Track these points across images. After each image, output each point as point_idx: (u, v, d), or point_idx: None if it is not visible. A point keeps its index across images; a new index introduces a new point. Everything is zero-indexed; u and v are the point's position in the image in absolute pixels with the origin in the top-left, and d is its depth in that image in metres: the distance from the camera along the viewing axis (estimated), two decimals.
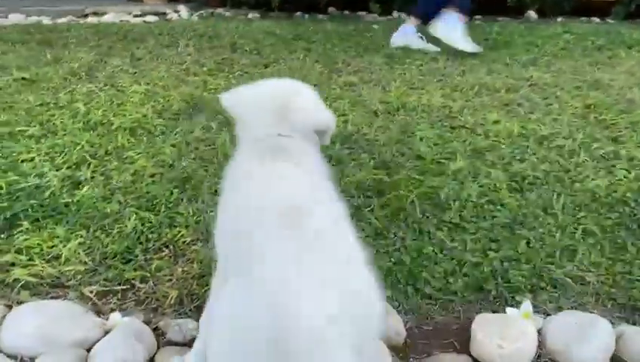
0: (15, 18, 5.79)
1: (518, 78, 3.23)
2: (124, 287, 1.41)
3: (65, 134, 2.20)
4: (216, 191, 1.81)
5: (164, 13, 5.88)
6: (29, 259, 1.46)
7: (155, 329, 1.24)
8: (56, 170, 1.91)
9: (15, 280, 1.38)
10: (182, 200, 1.75)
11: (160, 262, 1.48)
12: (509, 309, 1.30)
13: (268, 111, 1.16)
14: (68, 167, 1.94)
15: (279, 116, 1.14)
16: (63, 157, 2.00)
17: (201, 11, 5.95)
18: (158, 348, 1.19)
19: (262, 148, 1.10)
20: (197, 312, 1.30)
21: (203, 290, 1.39)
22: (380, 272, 1.44)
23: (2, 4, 6.73)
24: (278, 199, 0.94)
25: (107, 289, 1.39)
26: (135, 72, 3.24)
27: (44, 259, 1.46)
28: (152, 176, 1.89)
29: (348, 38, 4.49)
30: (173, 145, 2.11)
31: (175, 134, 2.21)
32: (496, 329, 1.18)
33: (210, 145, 2.14)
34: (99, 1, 6.54)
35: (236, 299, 0.81)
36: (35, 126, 2.27)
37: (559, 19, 5.60)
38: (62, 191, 1.79)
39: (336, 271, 0.82)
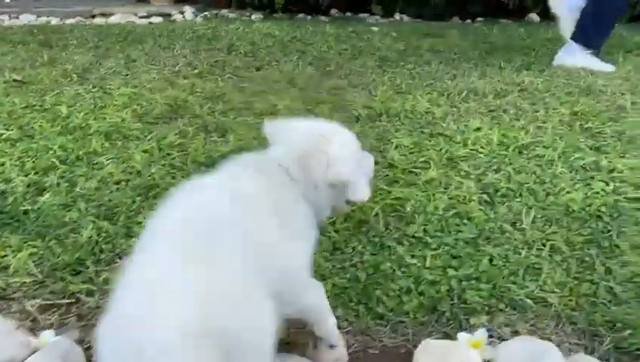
0: (25, 19, 5.80)
1: (509, 82, 3.11)
2: (69, 301, 1.34)
3: (41, 138, 2.15)
4: None
5: (170, 15, 5.85)
6: None
7: (88, 348, 1.17)
8: (25, 176, 1.86)
9: None
10: (143, 208, 1.68)
11: (109, 275, 1.41)
12: (460, 334, 1.20)
13: (294, 152, 1.09)
14: (36, 173, 1.88)
15: (302, 163, 1.08)
16: (33, 162, 1.94)
17: (206, 12, 5.90)
18: None
19: (252, 166, 1.08)
20: None
21: None
22: (332, 290, 1.37)
23: (16, 5, 6.77)
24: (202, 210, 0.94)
25: (51, 303, 1.32)
26: (127, 75, 3.19)
27: None
28: (118, 183, 1.83)
29: (345, 40, 4.40)
30: (145, 151, 2.04)
31: (149, 139, 2.14)
32: (437, 357, 1.09)
33: (182, 151, 2.06)
34: (107, 2, 6.53)
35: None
36: (13, 129, 2.22)
37: None
38: (25, 197, 1.73)
39: (215, 287, 0.79)
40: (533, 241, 1.54)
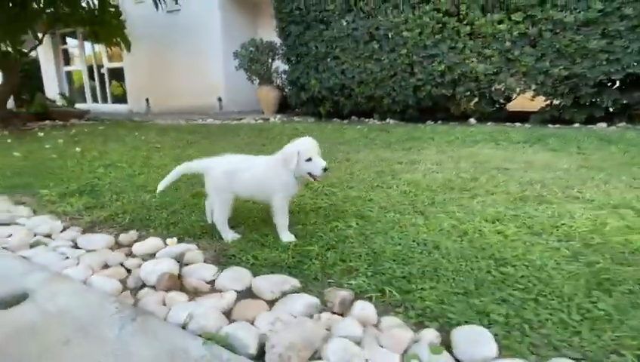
0: (209, 121, 7.10)
1: (389, 157, 3.12)
2: None
3: (121, 164, 3.06)
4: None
5: (268, 119, 6.80)
6: None
7: None
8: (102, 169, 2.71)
9: None
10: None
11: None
12: (168, 239, 1.61)
13: (285, 151, 1.60)
14: (99, 167, 2.75)
15: (285, 156, 1.59)
16: (104, 161, 2.85)
17: (284, 118, 6.74)
18: None
19: (273, 157, 1.66)
20: None
21: None
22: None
23: (204, 114, 8.27)
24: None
25: None
26: (202, 145, 4.02)
27: None
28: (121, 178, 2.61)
29: (334, 132, 4.65)
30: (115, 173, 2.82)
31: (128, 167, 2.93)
32: (149, 246, 1.56)
33: (96, 178, 2.68)
34: (247, 114, 7.76)
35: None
36: (115, 157, 3.18)
37: (488, 123, 5.19)
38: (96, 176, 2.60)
39: None
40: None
